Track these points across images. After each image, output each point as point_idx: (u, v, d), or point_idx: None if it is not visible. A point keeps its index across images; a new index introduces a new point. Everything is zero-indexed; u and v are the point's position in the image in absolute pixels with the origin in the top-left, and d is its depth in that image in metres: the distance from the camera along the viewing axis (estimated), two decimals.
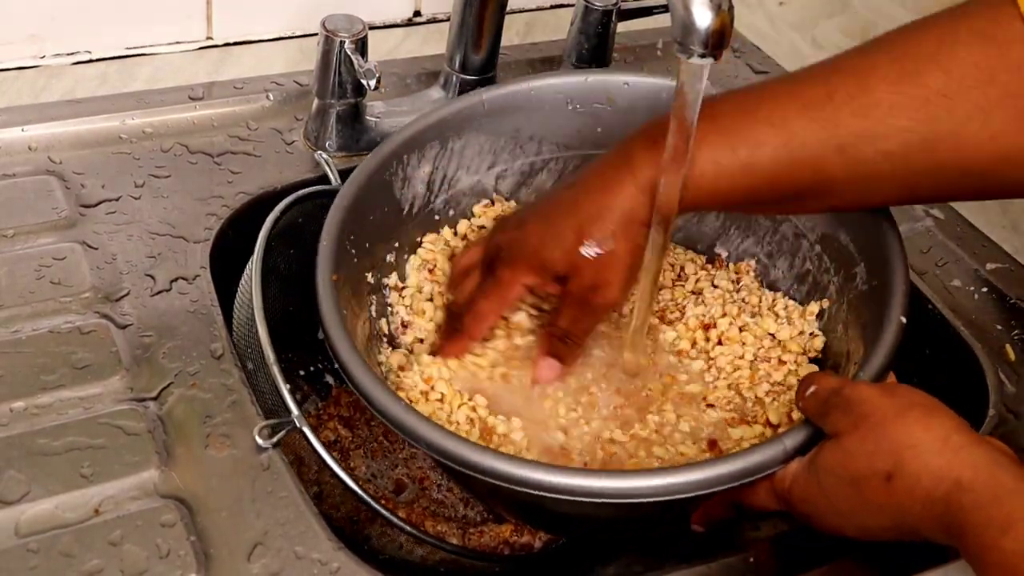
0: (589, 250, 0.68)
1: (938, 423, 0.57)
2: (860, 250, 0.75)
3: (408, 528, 0.72)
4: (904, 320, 0.67)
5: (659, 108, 0.79)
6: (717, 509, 0.66)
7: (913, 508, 0.56)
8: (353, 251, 0.74)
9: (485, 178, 0.85)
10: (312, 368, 0.89)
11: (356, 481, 0.70)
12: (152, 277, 0.77)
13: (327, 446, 0.80)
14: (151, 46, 0.97)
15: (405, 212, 0.81)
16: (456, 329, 0.74)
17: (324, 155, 0.86)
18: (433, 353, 0.74)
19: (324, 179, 0.84)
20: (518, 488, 0.60)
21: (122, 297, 0.76)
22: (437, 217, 0.83)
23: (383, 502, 0.77)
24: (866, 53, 0.66)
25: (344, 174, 0.87)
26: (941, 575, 0.65)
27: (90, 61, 0.95)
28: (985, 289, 0.87)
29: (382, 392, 0.64)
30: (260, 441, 0.66)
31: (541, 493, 0.60)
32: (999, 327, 0.84)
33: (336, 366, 0.66)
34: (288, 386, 0.69)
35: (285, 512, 0.64)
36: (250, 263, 0.76)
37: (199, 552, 0.61)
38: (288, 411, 0.68)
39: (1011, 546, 0.51)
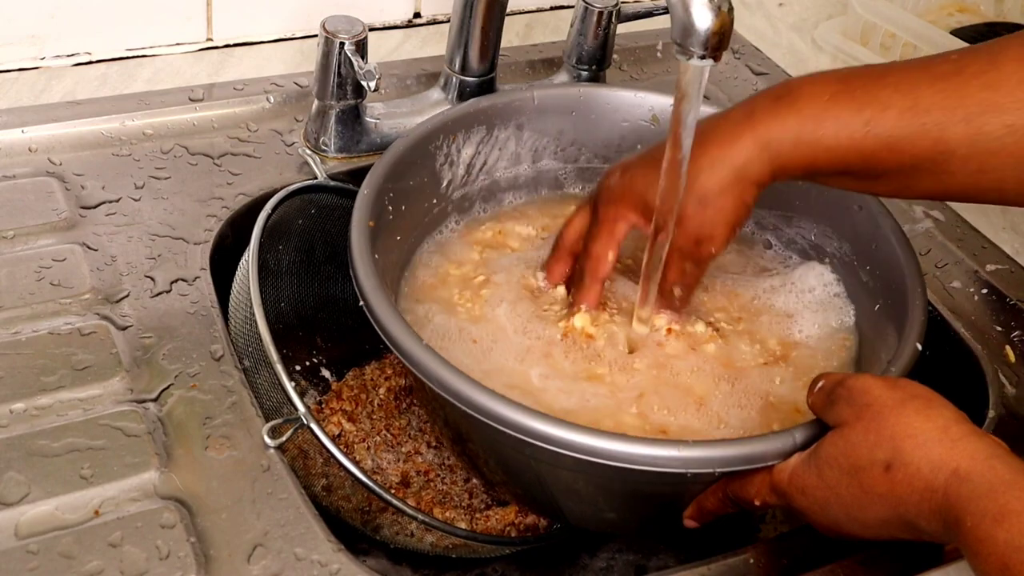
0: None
1: (938, 414, 0.58)
2: (878, 281, 0.76)
3: (419, 516, 0.73)
4: (920, 347, 0.68)
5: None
6: (712, 502, 0.65)
7: (911, 498, 0.56)
8: (390, 207, 0.75)
9: (523, 174, 0.86)
10: (308, 363, 0.89)
11: (364, 474, 0.70)
12: (152, 278, 0.77)
13: (331, 440, 0.81)
14: (151, 47, 0.97)
15: (442, 188, 0.82)
16: (581, 279, 0.75)
17: (309, 151, 0.87)
18: (570, 307, 0.75)
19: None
20: (486, 420, 0.61)
21: (122, 298, 0.76)
22: (469, 204, 0.84)
23: (392, 491, 0.77)
24: (997, 40, 0.67)
25: (340, 175, 0.88)
26: (941, 575, 0.65)
27: (90, 62, 0.95)
28: (985, 290, 0.87)
29: (408, 335, 0.64)
30: (269, 441, 0.67)
31: (517, 435, 0.60)
32: (999, 328, 0.84)
33: (360, 303, 0.67)
34: (292, 383, 0.69)
35: (285, 513, 0.64)
36: (244, 260, 0.76)
37: (199, 553, 0.61)
38: (294, 408, 0.69)
39: (1004, 537, 0.51)
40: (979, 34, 1.20)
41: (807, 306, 0.79)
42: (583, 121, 0.86)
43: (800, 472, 0.61)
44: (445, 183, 0.82)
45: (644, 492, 0.67)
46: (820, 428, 0.62)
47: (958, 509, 0.54)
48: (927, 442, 0.56)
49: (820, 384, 0.63)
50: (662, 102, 0.85)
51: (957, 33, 1.18)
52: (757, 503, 0.63)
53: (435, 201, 0.81)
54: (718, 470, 0.61)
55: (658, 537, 0.83)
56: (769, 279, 0.81)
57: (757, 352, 0.75)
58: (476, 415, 0.61)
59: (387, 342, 0.65)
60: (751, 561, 0.66)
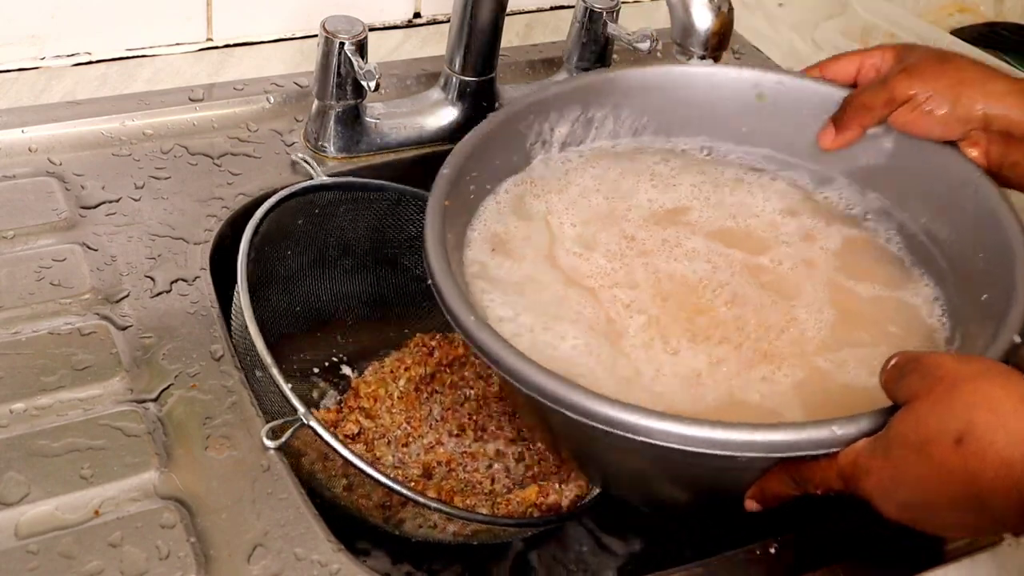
0: None
1: (1016, 385, 0.54)
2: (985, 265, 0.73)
3: (435, 505, 0.73)
4: (1018, 340, 0.64)
5: (807, 113, 0.81)
6: (775, 485, 0.62)
7: (985, 474, 0.52)
8: (472, 187, 0.74)
9: (624, 147, 0.83)
10: (327, 363, 0.89)
11: (379, 469, 0.70)
12: (152, 278, 0.77)
13: (351, 438, 0.81)
14: (151, 47, 0.97)
15: (532, 165, 0.80)
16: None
17: (302, 153, 0.88)
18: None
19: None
20: (546, 402, 0.60)
21: (122, 298, 0.76)
22: (560, 183, 0.81)
23: (412, 484, 0.77)
24: None
25: (340, 175, 0.88)
26: (941, 575, 0.65)
27: (90, 62, 0.95)
28: None
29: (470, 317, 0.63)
30: (268, 442, 0.67)
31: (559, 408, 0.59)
32: None
33: (428, 282, 0.66)
34: (290, 385, 0.69)
35: (285, 513, 0.64)
36: (238, 268, 0.76)
37: (199, 553, 0.61)
38: (294, 409, 0.69)
39: None
40: (979, 34, 1.21)
41: (904, 295, 0.76)
42: (686, 101, 0.82)
43: (866, 453, 0.57)
44: (537, 160, 0.80)
45: (706, 475, 0.65)
46: (891, 414, 0.58)
47: None
48: (1004, 413, 0.53)
49: (893, 361, 0.60)
50: (767, 79, 0.82)
51: (957, 33, 1.19)
52: (820, 488, 0.60)
53: (523, 178, 0.79)
54: (779, 455, 0.59)
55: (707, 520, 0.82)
56: (873, 271, 0.78)
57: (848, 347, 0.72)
58: (554, 405, 0.60)
59: (461, 333, 0.64)
60: (750, 561, 0.66)
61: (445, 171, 0.72)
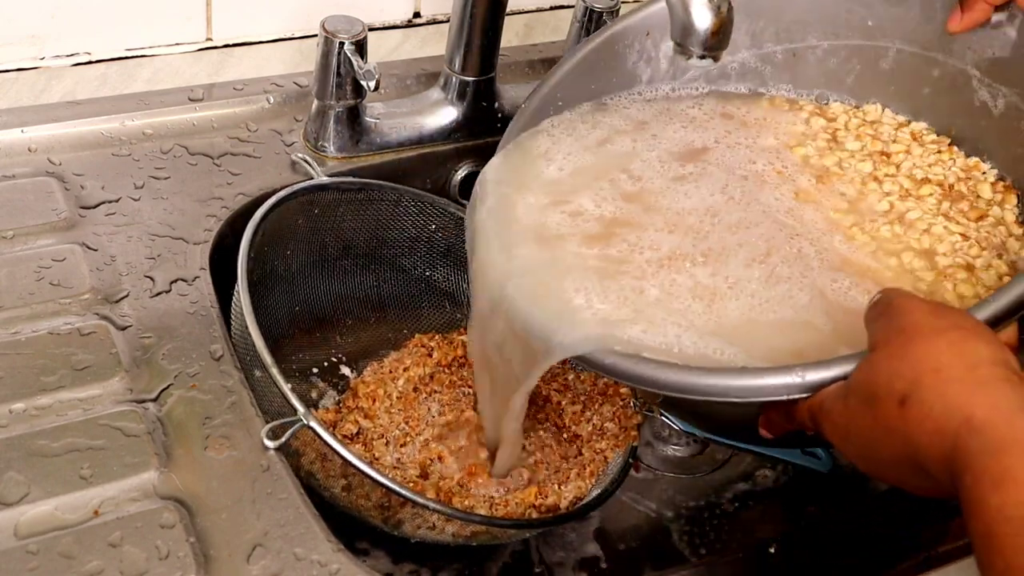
0: None
1: (972, 350, 0.52)
2: None
3: (434, 506, 0.73)
4: None
5: (936, 7, 0.76)
6: (775, 416, 0.62)
7: (921, 439, 0.51)
8: (561, 104, 0.74)
9: (744, 60, 0.81)
10: (326, 363, 0.90)
11: (377, 469, 0.70)
12: (152, 278, 0.77)
13: (349, 439, 0.81)
14: (151, 47, 0.97)
15: (640, 86, 0.78)
16: None
17: (302, 153, 0.88)
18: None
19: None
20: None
21: (122, 298, 0.76)
22: (676, 96, 0.79)
23: (410, 485, 0.77)
24: None
25: (340, 175, 0.88)
26: (941, 575, 0.65)
27: (90, 62, 0.95)
28: None
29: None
30: (268, 442, 0.67)
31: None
32: None
33: None
34: (290, 385, 0.69)
35: (285, 513, 0.64)
36: (239, 269, 0.76)
37: (199, 553, 0.61)
38: (293, 409, 0.69)
39: (996, 503, 0.46)
40: None
41: None
42: None
43: (831, 397, 0.56)
44: (645, 80, 0.78)
45: (711, 407, 0.65)
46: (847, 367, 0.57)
47: (961, 463, 0.49)
48: (948, 380, 0.51)
49: (876, 298, 0.58)
50: None
51: None
52: (800, 425, 0.60)
53: (621, 105, 0.77)
54: (741, 399, 0.59)
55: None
56: None
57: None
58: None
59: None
60: (750, 561, 0.66)
61: (525, 106, 0.73)
